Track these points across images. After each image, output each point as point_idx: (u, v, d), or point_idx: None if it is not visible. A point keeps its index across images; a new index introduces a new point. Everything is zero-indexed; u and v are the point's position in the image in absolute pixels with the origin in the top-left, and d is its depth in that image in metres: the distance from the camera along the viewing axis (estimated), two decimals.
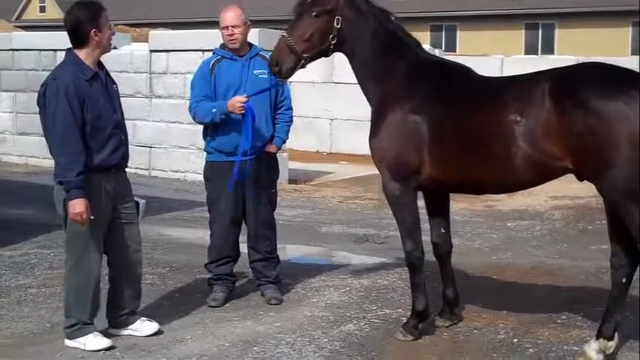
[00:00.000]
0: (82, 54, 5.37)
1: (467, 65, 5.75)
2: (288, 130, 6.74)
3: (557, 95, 4.95)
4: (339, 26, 5.56)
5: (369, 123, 5.73)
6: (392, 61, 5.63)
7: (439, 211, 5.91)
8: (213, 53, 6.62)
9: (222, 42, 6.61)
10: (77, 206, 5.19)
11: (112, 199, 5.47)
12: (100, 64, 5.49)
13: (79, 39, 5.36)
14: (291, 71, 5.67)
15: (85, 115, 5.25)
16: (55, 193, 5.40)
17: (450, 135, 5.34)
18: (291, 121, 6.75)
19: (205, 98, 6.41)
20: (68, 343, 5.53)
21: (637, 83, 4.87)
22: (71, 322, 5.50)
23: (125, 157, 5.60)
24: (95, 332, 5.53)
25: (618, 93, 4.82)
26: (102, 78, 5.45)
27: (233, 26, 6.41)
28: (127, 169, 5.72)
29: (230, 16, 6.43)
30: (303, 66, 5.69)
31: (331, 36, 5.58)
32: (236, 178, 6.32)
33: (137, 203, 5.74)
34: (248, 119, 6.25)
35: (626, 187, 4.82)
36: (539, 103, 4.99)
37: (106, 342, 5.50)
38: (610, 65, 5.17)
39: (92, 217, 5.25)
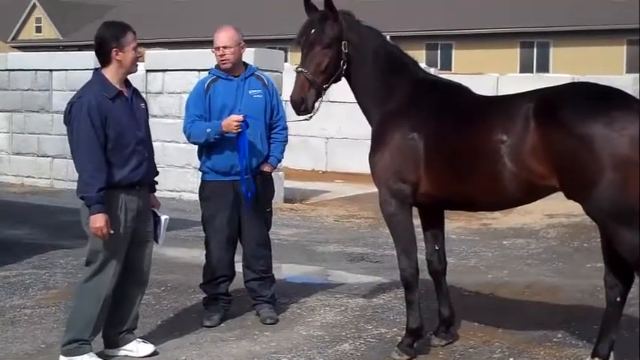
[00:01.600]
0: (107, 73, 5.45)
1: (463, 84, 5.78)
2: (284, 150, 6.76)
3: (539, 116, 4.98)
4: (346, 51, 5.59)
5: (368, 141, 5.75)
6: (392, 80, 5.66)
7: (434, 229, 5.92)
8: (209, 73, 6.64)
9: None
10: (97, 221, 5.23)
11: (134, 216, 5.49)
12: (127, 83, 5.55)
13: (102, 57, 5.46)
14: (314, 105, 5.62)
15: (106, 132, 5.32)
16: (81, 209, 5.43)
17: (445, 152, 5.38)
18: (287, 140, 6.77)
19: (199, 118, 6.43)
20: None
21: (620, 103, 4.88)
22: (69, 339, 5.48)
23: (148, 174, 5.65)
24: (91, 353, 5.51)
25: (599, 114, 4.82)
26: (127, 96, 5.52)
27: (224, 47, 6.42)
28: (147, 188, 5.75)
29: (222, 36, 6.45)
30: (322, 94, 5.64)
31: (342, 61, 5.60)
32: (249, 197, 6.33)
33: (159, 219, 5.75)
34: (244, 138, 6.26)
35: (611, 208, 4.82)
36: (524, 123, 5.02)
37: None
38: (596, 85, 5.18)
39: (112, 232, 5.29)
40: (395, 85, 5.66)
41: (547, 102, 5.05)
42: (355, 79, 5.73)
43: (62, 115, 5.51)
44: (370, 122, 5.81)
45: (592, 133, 4.79)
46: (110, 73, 5.44)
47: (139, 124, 5.55)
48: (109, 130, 5.33)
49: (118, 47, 5.38)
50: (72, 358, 5.47)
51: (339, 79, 5.73)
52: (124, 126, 5.41)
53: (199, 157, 6.60)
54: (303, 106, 5.54)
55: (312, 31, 5.58)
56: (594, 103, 4.93)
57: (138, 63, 5.58)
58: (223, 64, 6.46)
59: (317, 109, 5.62)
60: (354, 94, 5.82)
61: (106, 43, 5.40)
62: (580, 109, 4.91)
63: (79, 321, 5.48)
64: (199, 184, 6.70)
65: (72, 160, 5.43)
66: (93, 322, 5.48)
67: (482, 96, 5.68)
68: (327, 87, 5.66)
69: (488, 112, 5.31)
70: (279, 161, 6.79)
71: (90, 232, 5.32)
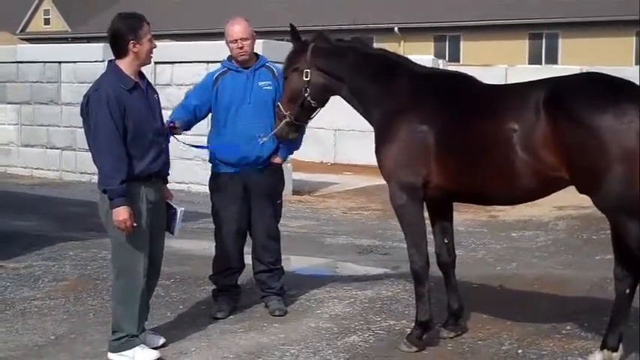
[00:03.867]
0: (122, 65, 5.42)
1: (467, 73, 5.78)
2: (300, 142, 6.73)
3: (549, 106, 4.96)
4: (308, 79, 5.81)
5: (374, 135, 5.77)
6: (388, 80, 5.70)
7: (443, 222, 5.92)
8: (221, 65, 6.64)
9: (228, 54, 6.62)
10: (121, 214, 5.22)
11: (151, 208, 5.49)
12: (141, 75, 5.55)
13: (118, 50, 5.42)
14: (286, 133, 6.08)
15: (126, 124, 5.30)
16: (100, 202, 5.43)
17: (455, 144, 5.37)
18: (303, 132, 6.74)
19: (189, 107, 6.48)
20: (113, 357, 5.51)
21: (630, 95, 4.86)
22: (119, 336, 5.49)
23: (166, 165, 5.66)
24: (142, 345, 5.51)
25: (608, 105, 4.80)
26: (143, 88, 5.50)
27: (242, 39, 6.42)
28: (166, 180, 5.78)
29: (239, 29, 6.44)
30: (295, 122, 6.03)
31: (303, 89, 5.85)
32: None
33: (174, 211, 5.75)
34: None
35: (619, 200, 4.81)
36: (535, 113, 5.00)
37: (154, 354, 5.51)
38: (606, 76, 5.16)
39: (135, 225, 5.29)
40: (392, 84, 5.69)
41: (557, 92, 5.03)
42: (351, 95, 5.87)
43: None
44: (371, 123, 5.84)
45: (601, 125, 4.77)
46: (125, 65, 5.41)
47: (154, 116, 5.55)
48: (128, 121, 5.30)
49: (135, 39, 5.36)
50: (123, 353, 5.47)
51: (310, 106, 5.98)
52: (142, 117, 5.39)
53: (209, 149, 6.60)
54: (278, 134, 6.10)
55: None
56: (604, 95, 4.91)
57: (152, 54, 5.56)
58: (242, 56, 6.46)
59: (296, 130, 6.13)
60: (357, 109, 5.95)
61: (123, 35, 5.36)
62: (589, 100, 4.89)
63: (124, 319, 5.48)
64: (209, 176, 6.71)
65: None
66: (136, 317, 5.48)
67: (491, 85, 5.66)
68: (295, 115, 5.99)
69: (500, 101, 5.29)
70: (291, 153, 6.78)
71: (112, 225, 5.31)
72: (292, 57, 5.95)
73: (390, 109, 5.64)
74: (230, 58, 6.59)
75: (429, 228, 5.78)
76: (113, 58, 5.49)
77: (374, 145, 5.77)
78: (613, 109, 4.79)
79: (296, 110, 5.95)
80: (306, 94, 5.86)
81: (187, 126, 6.43)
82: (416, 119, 5.48)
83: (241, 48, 6.43)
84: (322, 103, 6.02)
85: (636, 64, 29.62)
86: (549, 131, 4.94)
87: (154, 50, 5.52)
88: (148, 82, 5.66)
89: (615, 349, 5.22)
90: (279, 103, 6.03)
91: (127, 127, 5.31)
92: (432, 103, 5.51)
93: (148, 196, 5.45)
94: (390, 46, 6.18)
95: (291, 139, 6.22)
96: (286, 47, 14.40)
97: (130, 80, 5.41)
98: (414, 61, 5.95)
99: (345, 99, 5.94)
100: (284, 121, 6.00)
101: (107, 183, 5.25)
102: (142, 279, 5.47)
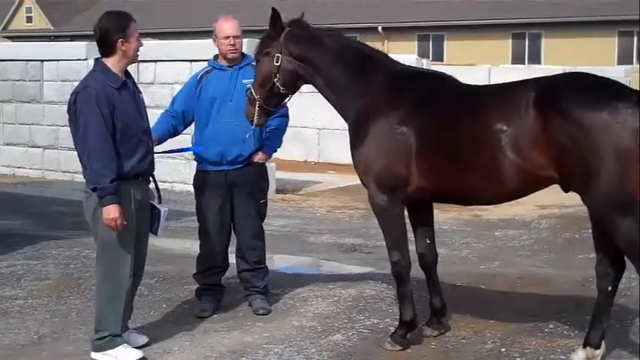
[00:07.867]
0: (109, 63, 5.39)
1: (448, 73, 5.78)
2: (280, 138, 6.73)
3: (541, 105, 4.97)
4: (278, 64, 5.69)
5: (348, 133, 5.76)
6: (366, 76, 5.65)
7: (424, 222, 5.91)
8: (208, 64, 6.62)
9: (215, 53, 6.60)
10: (111, 212, 5.19)
11: (139, 207, 5.46)
12: (127, 73, 5.52)
13: (106, 48, 5.38)
14: (258, 117, 5.86)
15: (115, 122, 5.27)
16: (85, 201, 5.39)
17: (438, 145, 5.34)
18: (284, 129, 6.73)
19: (175, 113, 6.47)
20: (96, 356, 5.48)
21: (621, 94, 4.89)
22: (102, 335, 5.46)
23: (152, 165, 5.62)
24: (125, 344, 5.48)
25: (602, 104, 4.82)
26: (130, 86, 5.48)
27: (235, 36, 6.42)
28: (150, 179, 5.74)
29: (230, 26, 6.44)
30: (264, 108, 5.83)
31: (273, 74, 5.73)
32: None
33: (158, 211, 5.70)
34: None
35: (610, 198, 4.82)
36: (524, 112, 5.00)
37: (137, 354, 5.48)
38: (595, 76, 5.18)
39: (125, 223, 5.25)
40: (372, 80, 5.63)
41: (549, 91, 5.03)
42: (325, 85, 5.78)
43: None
44: (345, 118, 5.81)
45: (595, 123, 4.78)
46: (113, 63, 5.38)
47: (142, 114, 5.52)
48: (117, 120, 5.27)
49: (123, 38, 5.33)
50: (107, 352, 5.44)
51: (279, 92, 5.81)
52: (130, 116, 5.36)
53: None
54: (250, 119, 5.91)
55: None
56: (597, 94, 4.93)
57: (139, 52, 5.53)
58: (233, 53, 6.45)
59: (266, 115, 5.92)
60: (328, 98, 5.86)
61: (112, 33, 5.33)
62: (583, 98, 4.90)
63: (108, 318, 5.45)
64: (194, 174, 6.70)
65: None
66: (120, 316, 5.46)
67: (472, 85, 5.66)
68: (265, 100, 5.80)
69: (487, 101, 5.27)
70: (275, 150, 6.76)
71: (99, 224, 5.28)
72: (265, 40, 5.82)
73: (367, 106, 5.60)
74: (216, 57, 6.58)
75: (408, 226, 5.77)
76: (99, 56, 5.45)
77: (349, 144, 5.73)
78: (607, 107, 4.80)
79: (265, 95, 5.79)
80: (275, 80, 5.74)
81: (172, 134, 6.52)
82: (396, 119, 5.44)
83: (233, 45, 6.42)
84: (292, 90, 5.89)
85: (618, 64, 29.76)
86: (541, 130, 4.93)
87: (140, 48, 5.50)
88: (134, 81, 5.63)
89: (598, 347, 5.24)
90: (250, 86, 5.88)
91: (115, 126, 5.27)
92: (413, 103, 5.48)
93: (135, 195, 5.43)
94: (374, 46, 6.13)
95: (259, 124, 6.02)
96: None
97: (119, 78, 5.38)
98: (396, 59, 5.93)
99: (318, 90, 5.85)
100: (255, 105, 5.82)
101: (98, 181, 5.21)
102: (128, 279, 5.44)
